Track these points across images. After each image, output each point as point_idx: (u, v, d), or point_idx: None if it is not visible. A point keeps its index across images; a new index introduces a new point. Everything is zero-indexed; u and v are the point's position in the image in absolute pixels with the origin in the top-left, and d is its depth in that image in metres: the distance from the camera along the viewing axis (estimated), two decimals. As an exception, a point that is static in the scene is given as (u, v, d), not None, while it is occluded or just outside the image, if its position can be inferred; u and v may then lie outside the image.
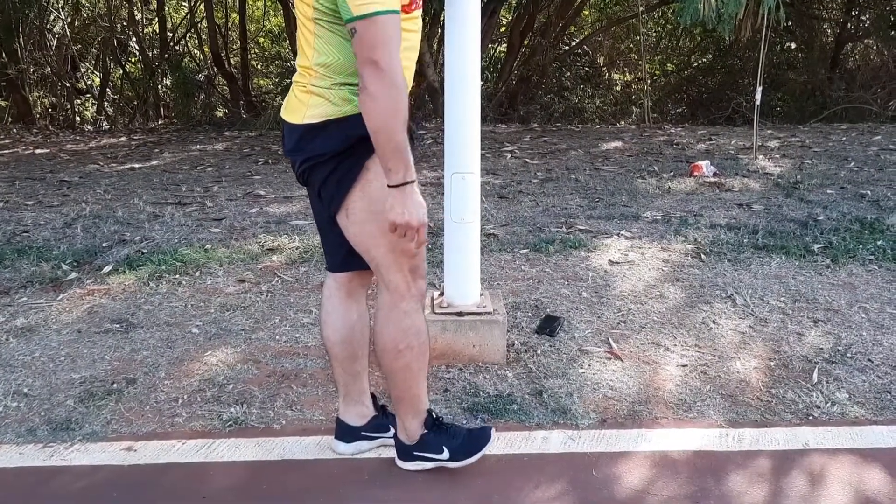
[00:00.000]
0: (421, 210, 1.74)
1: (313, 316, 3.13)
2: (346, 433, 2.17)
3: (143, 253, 3.90)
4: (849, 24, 11.50)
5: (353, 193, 1.82)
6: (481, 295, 2.79)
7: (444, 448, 2.06)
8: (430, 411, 2.07)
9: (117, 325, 3.05)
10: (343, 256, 2.01)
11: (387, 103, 1.65)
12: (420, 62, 1.99)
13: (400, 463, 2.11)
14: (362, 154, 1.80)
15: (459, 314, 2.69)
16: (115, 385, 2.59)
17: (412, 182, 1.72)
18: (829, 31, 11.83)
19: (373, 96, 1.65)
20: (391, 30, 1.64)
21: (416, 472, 2.09)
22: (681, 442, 2.26)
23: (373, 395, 2.23)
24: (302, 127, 1.81)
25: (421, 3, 1.83)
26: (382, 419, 2.21)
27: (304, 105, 1.81)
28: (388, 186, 1.72)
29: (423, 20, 2.17)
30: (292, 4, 10.07)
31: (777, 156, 6.61)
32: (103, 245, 4.07)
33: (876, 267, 3.65)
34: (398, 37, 1.66)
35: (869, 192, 5.11)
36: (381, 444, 2.19)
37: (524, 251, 3.92)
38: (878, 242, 3.95)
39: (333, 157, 1.79)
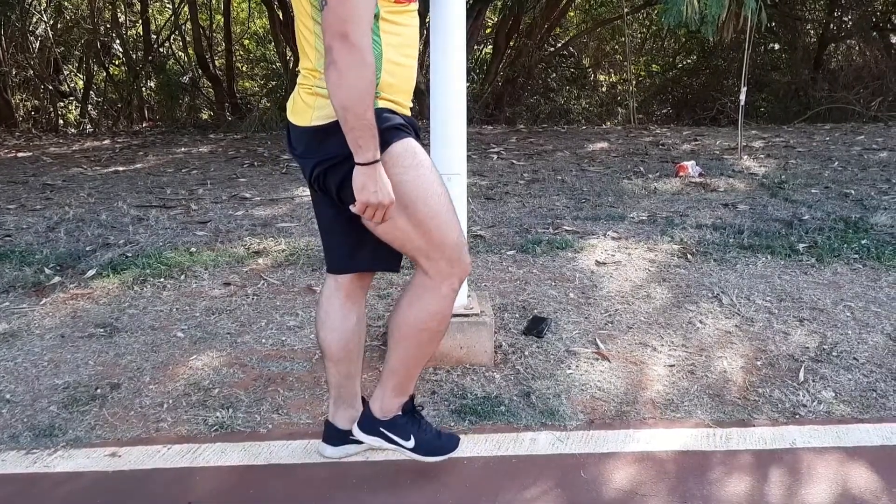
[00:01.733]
0: (389, 187, 1.72)
1: (300, 319, 3.11)
2: (334, 436, 2.16)
3: (127, 256, 3.86)
4: (831, 25, 11.60)
5: None
6: (468, 296, 2.79)
7: (412, 437, 2.03)
8: (412, 397, 2.06)
9: (101, 330, 3.02)
10: (347, 257, 1.97)
11: (356, 80, 1.62)
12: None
13: (357, 431, 2.06)
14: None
15: (446, 316, 2.67)
16: (99, 390, 2.56)
17: (379, 160, 1.70)
18: (811, 31, 11.92)
19: (341, 71, 1.61)
20: (363, 8, 1.61)
21: (405, 477, 2.08)
22: (668, 442, 2.26)
23: (364, 400, 2.22)
24: (310, 130, 1.78)
25: None
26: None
27: (310, 108, 1.78)
28: (358, 164, 1.69)
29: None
30: (278, 6, 10.06)
31: (762, 156, 6.65)
32: (87, 249, 4.03)
33: (860, 266, 3.67)
34: (370, 17, 1.63)
35: (853, 191, 5.15)
36: (368, 448, 2.18)
37: (511, 252, 3.91)
38: (863, 241, 3.97)
39: (347, 157, 1.74)
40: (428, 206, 1.80)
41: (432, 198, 1.81)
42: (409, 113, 1.87)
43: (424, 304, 1.89)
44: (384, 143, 1.74)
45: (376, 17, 1.70)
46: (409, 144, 1.80)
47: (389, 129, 1.76)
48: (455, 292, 1.91)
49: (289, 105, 1.88)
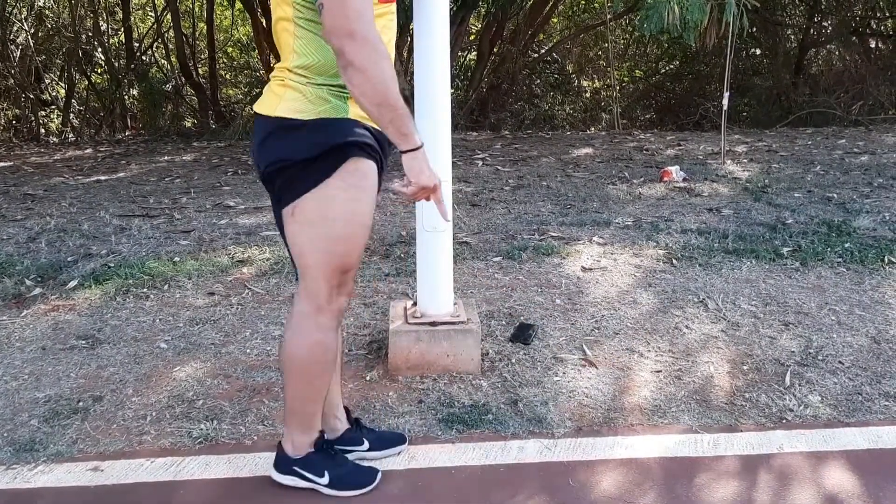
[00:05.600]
0: (432, 167, 1.74)
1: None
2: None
3: (109, 267, 3.82)
4: (812, 30, 11.71)
5: (310, 193, 1.76)
6: (454, 304, 2.78)
7: (326, 473, 2.02)
8: (322, 433, 2.04)
9: (83, 342, 2.98)
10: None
11: (379, 73, 1.59)
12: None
13: (273, 473, 2.05)
14: (332, 164, 1.74)
15: (433, 324, 2.66)
16: (80, 403, 2.52)
17: (423, 144, 1.71)
18: (792, 37, 12.04)
19: (360, 69, 1.58)
20: (361, 2, 1.58)
21: (393, 487, 2.06)
22: (656, 448, 2.26)
23: (346, 409, 2.21)
24: (273, 121, 1.74)
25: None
26: (356, 432, 2.18)
27: (278, 98, 1.75)
28: (405, 152, 1.69)
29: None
30: (261, 14, 10.03)
31: (745, 160, 6.69)
32: (68, 259, 3.98)
33: (844, 269, 3.69)
34: (371, 10, 1.60)
35: (835, 195, 5.19)
36: (358, 459, 2.16)
37: (497, 259, 3.91)
38: (846, 245, 4.00)
39: (297, 163, 1.73)
40: (346, 230, 1.80)
41: (355, 226, 1.81)
42: None
43: (306, 335, 1.88)
44: (343, 156, 1.73)
45: None
46: (364, 167, 1.78)
47: (352, 145, 1.75)
48: (332, 328, 1.89)
49: (260, 97, 1.86)
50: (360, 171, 1.78)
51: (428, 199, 1.78)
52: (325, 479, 2.02)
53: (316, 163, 1.74)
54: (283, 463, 2.04)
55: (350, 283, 1.89)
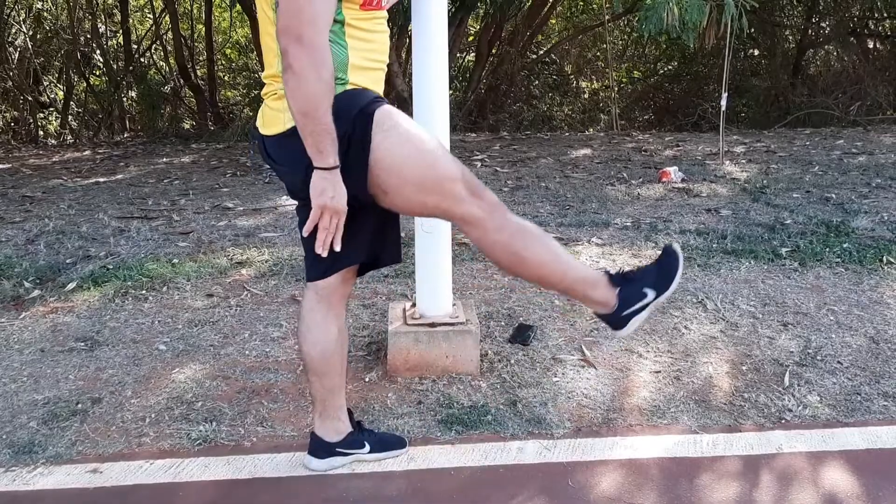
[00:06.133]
0: (345, 194, 1.70)
1: (283, 330, 3.08)
2: (320, 449, 2.14)
3: (108, 269, 3.82)
4: (809, 31, 11.72)
5: (373, 170, 1.73)
6: (453, 305, 2.78)
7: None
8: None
9: (82, 344, 2.98)
10: (330, 258, 1.86)
11: (315, 83, 1.57)
12: (388, 71, 1.96)
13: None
14: (363, 133, 1.71)
15: (432, 325, 2.67)
16: (79, 405, 2.52)
17: (339, 166, 1.67)
18: (790, 37, 12.04)
19: (298, 76, 1.56)
20: (320, 6, 1.57)
21: (392, 489, 2.06)
22: (655, 448, 2.26)
23: (349, 411, 2.20)
24: (287, 134, 1.73)
25: (382, 4, 1.77)
26: (358, 435, 2.18)
27: (281, 112, 1.74)
28: (318, 169, 1.66)
29: (391, 30, 2.16)
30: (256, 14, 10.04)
31: (743, 161, 6.70)
32: (67, 261, 3.98)
33: (842, 269, 3.70)
34: (327, 17, 1.59)
35: (834, 195, 5.19)
36: (354, 461, 2.16)
37: (496, 260, 3.90)
38: (844, 245, 4.00)
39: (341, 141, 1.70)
40: (425, 159, 1.77)
41: (428, 148, 1.78)
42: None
43: (500, 247, 1.84)
44: (365, 120, 1.71)
45: (343, 23, 1.68)
46: (386, 109, 1.76)
47: (368, 107, 1.73)
48: (506, 222, 1.84)
49: (259, 120, 1.85)
50: (386, 113, 1.75)
51: (335, 228, 1.73)
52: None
53: (353, 139, 1.71)
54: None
55: (474, 180, 1.83)
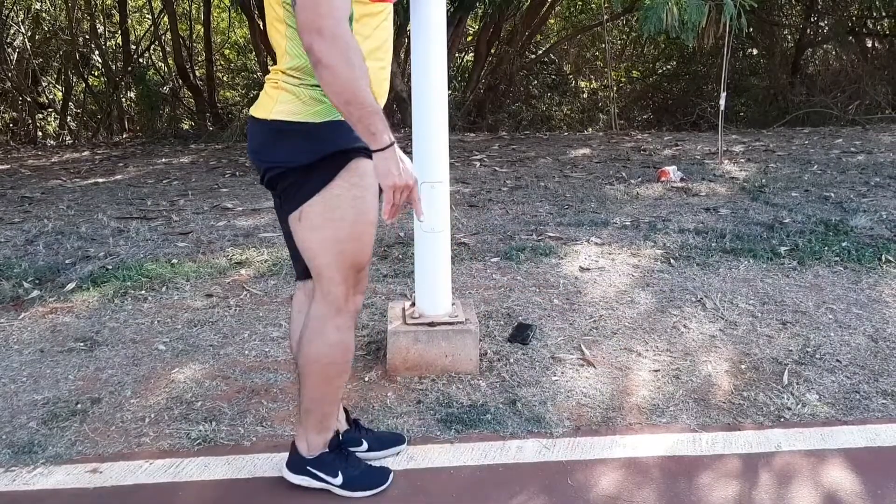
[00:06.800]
0: (410, 166, 1.71)
1: (283, 330, 3.08)
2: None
3: (107, 269, 3.82)
4: (808, 30, 11.73)
5: (315, 197, 1.76)
6: (453, 304, 2.78)
7: (340, 473, 2.02)
8: (337, 433, 2.05)
9: (81, 344, 2.98)
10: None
11: (348, 70, 1.56)
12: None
13: (286, 473, 2.05)
14: (333, 167, 1.75)
15: (431, 324, 2.67)
16: (79, 405, 2.52)
17: (395, 142, 1.67)
18: (789, 37, 12.05)
19: (329, 67, 1.55)
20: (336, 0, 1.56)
21: (392, 488, 2.06)
22: (654, 447, 2.26)
23: (345, 409, 2.21)
24: (268, 124, 1.75)
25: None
26: (355, 433, 2.18)
27: (272, 100, 1.75)
28: (374, 151, 1.65)
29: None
30: (258, 16, 10.03)
31: (742, 160, 6.70)
32: (66, 262, 3.98)
33: (841, 268, 3.70)
34: (345, 8, 1.58)
35: (832, 194, 5.19)
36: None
37: (495, 259, 3.91)
38: (843, 244, 4.01)
39: (293, 169, 1.74)
40: (355, 230, 1.80)
41: (363, 224, 1.81)
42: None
43: (325, 337, 1.88)
44: (343, 159, 1.73)
45: (351, 19, 1.69)
46: (364, 165, 1.77)
47: (351, 150, 1.75)
48: (350, 328, 1.90)
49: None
50: (361, 170, 1.78)
51: (407, 200, 1.73)
52: (339, 480, 2.02)
53: (317, 168, 1.75)
54: (297, 463, 2.04)
55: (364, 281, 1.90)
